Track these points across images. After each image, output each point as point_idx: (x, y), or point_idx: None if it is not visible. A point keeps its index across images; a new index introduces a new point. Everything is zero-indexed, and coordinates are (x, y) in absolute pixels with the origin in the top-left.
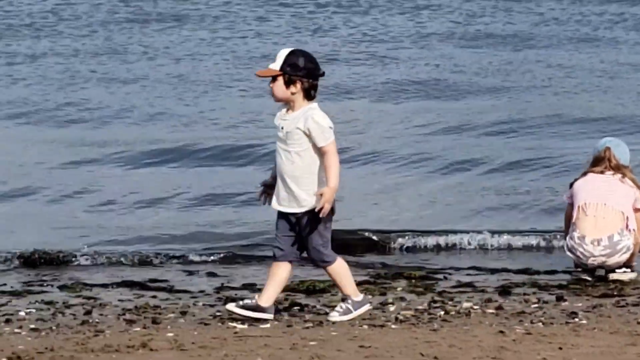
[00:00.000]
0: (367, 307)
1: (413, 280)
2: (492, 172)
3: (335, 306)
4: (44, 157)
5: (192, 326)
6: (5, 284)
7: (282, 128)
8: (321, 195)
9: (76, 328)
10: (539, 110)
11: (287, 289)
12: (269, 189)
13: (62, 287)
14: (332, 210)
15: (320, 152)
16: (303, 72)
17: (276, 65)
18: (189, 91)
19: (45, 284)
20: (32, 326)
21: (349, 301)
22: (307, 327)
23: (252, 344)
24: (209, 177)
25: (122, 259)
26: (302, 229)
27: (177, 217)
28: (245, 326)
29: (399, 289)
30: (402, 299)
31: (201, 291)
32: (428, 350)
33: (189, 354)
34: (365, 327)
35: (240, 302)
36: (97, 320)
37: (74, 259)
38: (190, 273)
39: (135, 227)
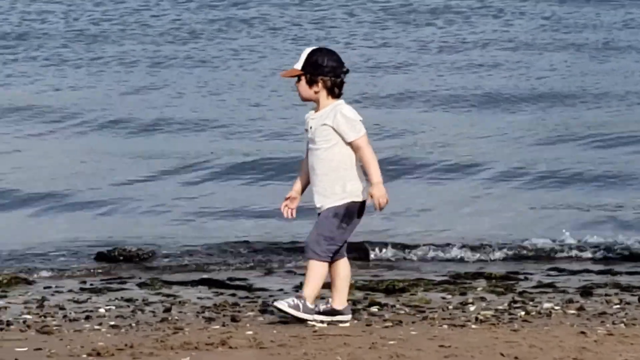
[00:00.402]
0: (309, 317)
1: (493, 280)
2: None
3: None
4: (124, 166)
5: (271, 324)
6: (85, 281)
7: (311, 127)
8: (371, 196)
9: (155, 325)
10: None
11: (367, 288)
12: (290, 202)
13: (141, 285)
14: (359, 213)
15: (352, 147)
16: (325, 70)
17: (299, 65)
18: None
19: (124, 281)
20: (112, 323)
21: (302, 301)
22: (387, 327)
23: (331, 342)
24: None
25: (201, 258)
26: (320, 217)
27: (255, 226)
28: (325, 325)
29: (479, 288)
30: (482, 299)
31: (280, 290)
32: (508, 351)
33: (268, 352)
34: (445, 326)
35: (316, 308)
36: (176, 317)
37: (153, 256)
38: (269, 272)
39: (213, 232)
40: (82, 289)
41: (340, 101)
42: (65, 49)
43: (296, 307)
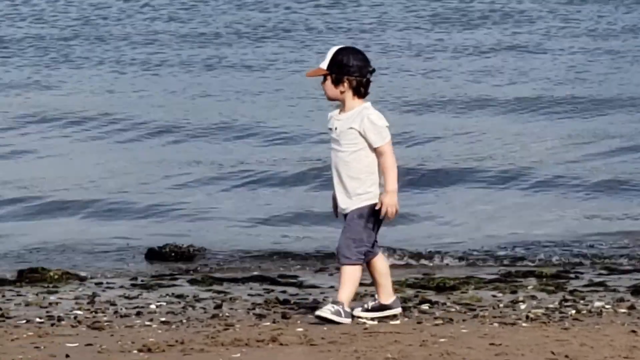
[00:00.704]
0: (348, 321)
1: (544, 279)
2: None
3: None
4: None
5: (322, 321)
6: (136, 278)
7: (336, 128)
8: (381, 203)
9: (206, 322)
10: None
11: (418, 285)
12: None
13: (192, 281)
14: (379, 212)
15: (376, 152)
16: (351, 69)
17: (324, 64)
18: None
19: (175, 278)
20: (163, 319)
21: (341, 305)
22: (437, 324)
23: (382, 340)
24: None
25: (252, 255)
26: (346, 220)
27: (306, 229)
28: (375, 322)
29: (529, 287)
30: (533, 297)
31: (331, 287)
32: (559, 349)
33: (319, 349)
34: (496, 325)
35: (365, 306)
36: (227, 314)
37: (204, 253)
38: (320, 269)
39: (265, 233)
40: (133, 285)
41: (367, 104)
42: (116, 52)
43: (337, 314)
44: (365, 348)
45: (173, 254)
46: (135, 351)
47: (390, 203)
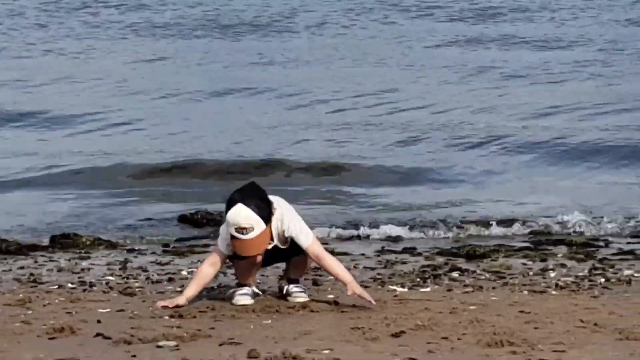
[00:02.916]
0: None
1: (574, 247)
2: None
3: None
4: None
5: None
6: (167, 244)
7: None
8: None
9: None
10: None
11: (448, 253)
12: None
13: None
14: None
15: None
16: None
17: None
18: None
19: (207, 244)
20: None
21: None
22: (467, 292)
23: (412, 307)
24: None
25: None
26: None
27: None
28: (405, 289)
29: (559, 255)
30: (562, 265)
31: (362, 254)
32: (588, 317)
33: (349, 315)
34: (525, 292)
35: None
36: (258, 280)
37: None
38: (351, 237)
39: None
40: (164, 252)
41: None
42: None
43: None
44: (395, 315)
45: (205, 220)
46: (166, 317)
47: (360, 290)
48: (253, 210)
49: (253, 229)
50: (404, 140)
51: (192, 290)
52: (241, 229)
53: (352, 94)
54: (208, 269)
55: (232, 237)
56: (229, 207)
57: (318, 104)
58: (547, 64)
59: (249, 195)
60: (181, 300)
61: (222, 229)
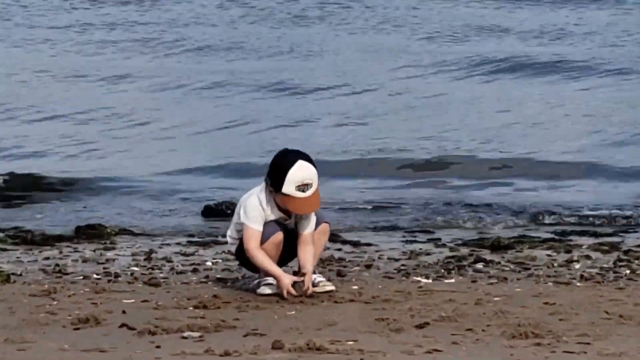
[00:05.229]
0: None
1: (599, 238)
2: None
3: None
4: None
5: (377, 279)
6: (192, 235)
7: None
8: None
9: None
10: None
11: (472, 244)
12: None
13: None
14: None
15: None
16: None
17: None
18: None
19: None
20: (219, 276)
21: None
22: (492, 283)
23: (437, 298)
24: None
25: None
26: None
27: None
28: (430, 281)
29: (584, 246)
30: (587, 257)
31: (386, 244)
32: (613, 309)
33: (373, 306)
34: (550, 284)
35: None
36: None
37: None
38: (375, 228)
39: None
40: (189, 242)
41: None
42: None
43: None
44: (420, 306)
45: (230, 211)
46: (191, 308)
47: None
48: (313, 164)
49: (312, 185)
50: None
51: (276, 267)
52: (303, 186)
53: None
54: (262, 251)
55: (289, 197)
56: (285, 167)
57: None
58: None
59: (300, 153)
60: (288, 280)
61: (252, 203)
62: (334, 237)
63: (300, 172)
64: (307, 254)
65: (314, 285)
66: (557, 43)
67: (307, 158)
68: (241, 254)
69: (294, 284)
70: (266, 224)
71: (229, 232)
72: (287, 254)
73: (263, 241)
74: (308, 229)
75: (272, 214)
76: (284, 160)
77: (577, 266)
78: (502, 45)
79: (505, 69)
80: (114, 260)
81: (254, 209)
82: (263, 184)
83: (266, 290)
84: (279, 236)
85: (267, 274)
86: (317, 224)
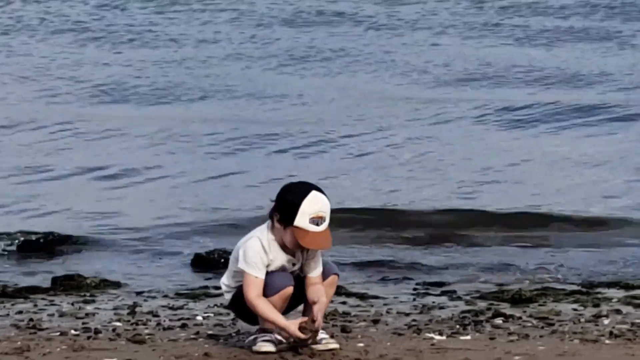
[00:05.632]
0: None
1: (630, 291)
2: None
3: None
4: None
5: (385, 336)
6: (182, 285)
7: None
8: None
9: None
10: None
11: (491, 297)
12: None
13: None
14: None
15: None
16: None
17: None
18: None
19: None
20: (210, 332)
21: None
22: (512, 340)
23: (451, 357)
24: None
25: None
26: None
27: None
28: (444, 337)
29: (614, 300)
30: (617, 311)
31: (395, 297)
32: None
33: None
34: (577, 341)
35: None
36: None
37: None
38: (384, 278)
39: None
40: (177, 295)
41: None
42: None
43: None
44: None
45: (223, 260)
46: None
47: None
48: (326, 196)
49: (326, 218)
50: None
51: (280, 316)
52: (318, 218)
53: None
54: (264, 299)
55: (301, 230)
56: (298, 197)
57: None
58: None
59: (311, 184)
60: (294, 326)
61: (253, 247)
62: (337, 289)
63: (315, 204)
64: (318, 291)
65: (316, 342)
66: None
67: (320, 189)
68: (237, 303)
69: (302, 328)
70: (275, 273)
71: (224, 279)
72: (291, 302)
73: (271, 292)
74: (316, 271)
75: (276, 259)
76: (296, 190)
77: (606, 322)
78: None
79: None
80: (94, 314)
81: (255, 254)
82: (265, 225)
83: (264, 347)
84: (288, 290)
85: (269, 325)
86: (326, 275)
